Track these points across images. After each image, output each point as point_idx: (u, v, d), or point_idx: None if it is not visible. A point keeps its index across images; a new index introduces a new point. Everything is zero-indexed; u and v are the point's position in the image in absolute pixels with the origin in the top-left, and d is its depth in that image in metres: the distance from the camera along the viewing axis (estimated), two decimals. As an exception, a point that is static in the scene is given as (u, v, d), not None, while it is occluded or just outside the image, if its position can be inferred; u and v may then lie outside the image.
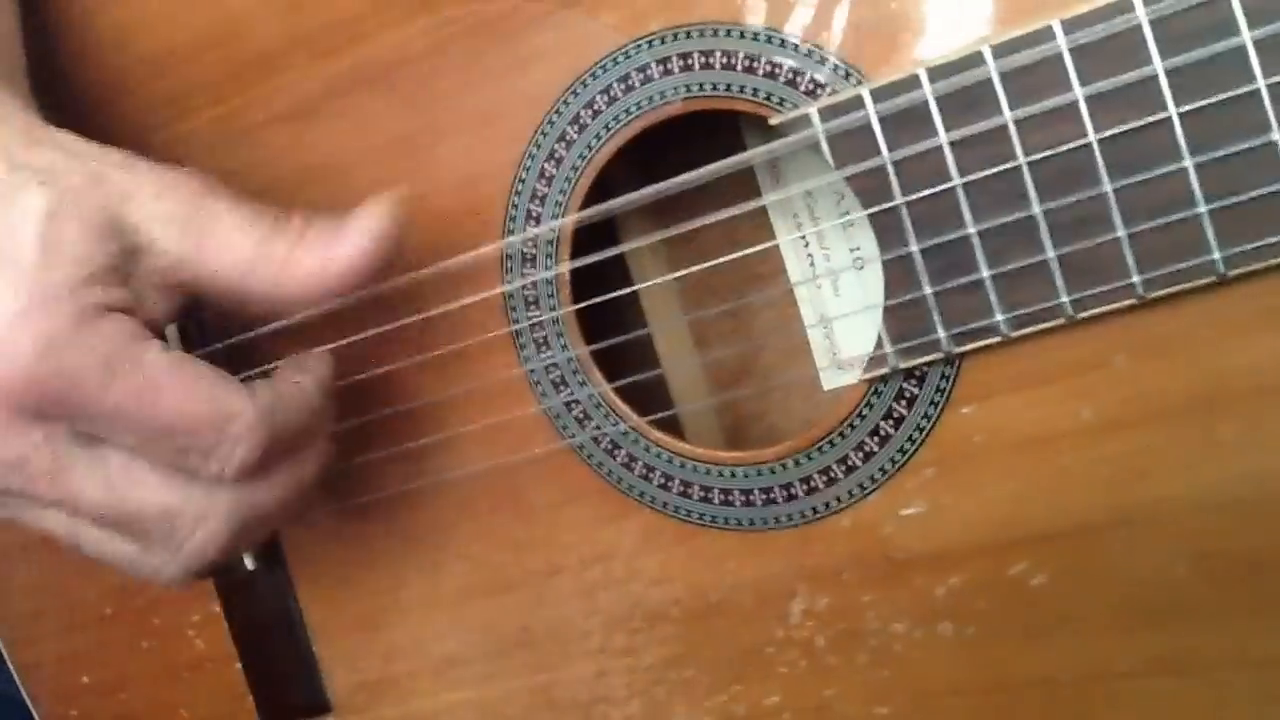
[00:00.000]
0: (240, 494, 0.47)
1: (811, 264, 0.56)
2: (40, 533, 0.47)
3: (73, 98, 0.60)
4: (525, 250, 0.52)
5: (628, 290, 0.54)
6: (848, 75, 0.45)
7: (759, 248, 0.54)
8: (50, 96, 0.56)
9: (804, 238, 0.55)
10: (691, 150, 0.50)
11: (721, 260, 0.52)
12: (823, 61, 0.46)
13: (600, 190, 0.52)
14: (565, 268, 0.52)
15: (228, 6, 0.56)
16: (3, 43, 0.55)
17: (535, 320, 0.53)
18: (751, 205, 0.50)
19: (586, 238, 0.52)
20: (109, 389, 0.43)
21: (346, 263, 0.47)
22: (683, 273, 0.55)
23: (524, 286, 0.53)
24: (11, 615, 0.71)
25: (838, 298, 0.56)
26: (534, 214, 0.52)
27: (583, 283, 0.53)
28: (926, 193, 0.44)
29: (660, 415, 0.53)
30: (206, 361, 0.46)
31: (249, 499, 0.47)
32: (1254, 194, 0.40)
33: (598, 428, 0.53)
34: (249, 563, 0.62)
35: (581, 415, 0.53)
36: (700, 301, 0.60)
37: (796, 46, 0.46)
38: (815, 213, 0.55)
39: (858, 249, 0.54)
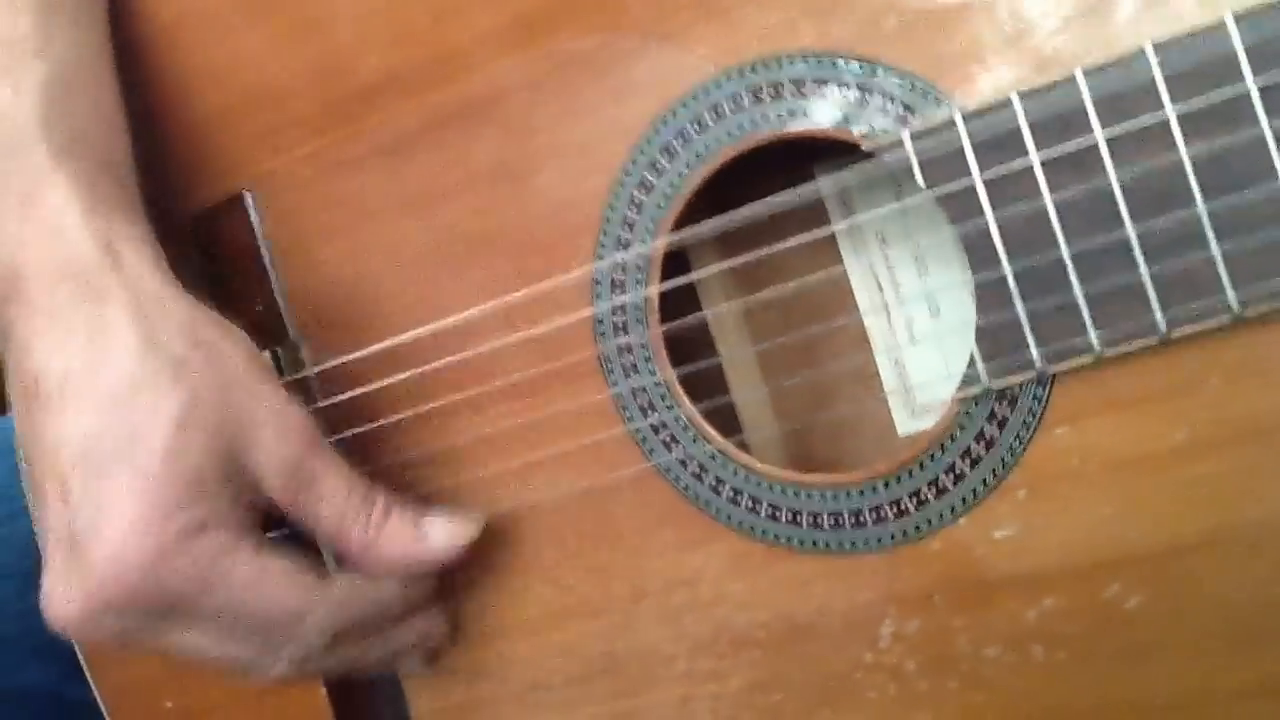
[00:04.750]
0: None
1: (881, 294, 0.57)
2: None
3: (167, 134, 0.61)
4: (615, 276, 0.54)
5: (703, 314, 0.55)
6: (937, 100, 0.46)
7: (826, 272, 0.55)
8: (145, 133, 0.58)
9: (873, 269, 0.56)
10: (762, 188, 0.51)
11: (789, 285, 0.52)
12: (912, 88, 0.47)
13: (679, 222, 0.53)
14: (655, 290, 0.53)
15: (327, 43, 0.57)
16: (116, 139, 0.56)
17: (623, 344, 0.54)
18: (822, 232, 0.51)
19: (667, 268, 0.53)
20: (201, 604, 0.48)
21: (429, 561, 0.54)
22: (752, 298, 0.55)
23: (613, 310, 0.54)
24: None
25: (908, 328, 0.56)
26: (624, 240, 0.53)
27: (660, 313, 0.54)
28: (1018, 210, 0.44)
29: (732, 440, 0.54)
30: (290, 554, 0.51)
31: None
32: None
33: (685, 450, 0.54)
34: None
35: (669, 439, 0.54)
36: (770, 331, 0.60)
37: (886, 73, 0.47)
38: (886, 244, 0.56)
39: (928, 280, 0.55)
